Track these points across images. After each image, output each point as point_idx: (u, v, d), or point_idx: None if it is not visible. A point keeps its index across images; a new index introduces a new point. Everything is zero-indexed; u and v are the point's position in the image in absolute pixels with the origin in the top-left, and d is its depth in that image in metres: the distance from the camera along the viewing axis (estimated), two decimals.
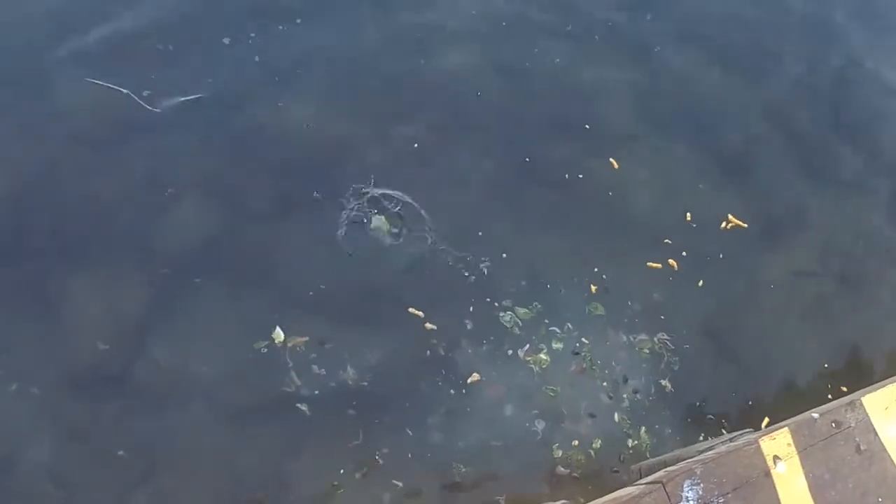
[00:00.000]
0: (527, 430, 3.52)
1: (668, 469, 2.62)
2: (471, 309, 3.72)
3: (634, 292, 3.88)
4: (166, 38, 4.12)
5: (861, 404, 2.73)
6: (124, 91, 3.90)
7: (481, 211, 3.98)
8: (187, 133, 3.89)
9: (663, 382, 3.72)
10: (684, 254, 4.00)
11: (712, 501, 2.48)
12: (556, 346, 3.70)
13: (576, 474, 3.37)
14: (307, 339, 3.49)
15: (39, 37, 4.04)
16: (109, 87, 3.89)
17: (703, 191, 4.25)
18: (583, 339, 3.75)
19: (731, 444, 2.73)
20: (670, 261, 3.99)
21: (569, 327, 3.76)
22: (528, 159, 4.14)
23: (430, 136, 4.11)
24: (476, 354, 3.62)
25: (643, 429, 3.59)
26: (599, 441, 3.49)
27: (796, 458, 2.62)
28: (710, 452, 2.65)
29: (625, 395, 3.66)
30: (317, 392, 3.41)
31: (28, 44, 4.00)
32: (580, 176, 4.14)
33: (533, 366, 3.64)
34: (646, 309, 3.85)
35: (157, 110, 3.89)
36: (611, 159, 4.22)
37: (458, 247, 3.84)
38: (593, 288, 3.87)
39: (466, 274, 3.79)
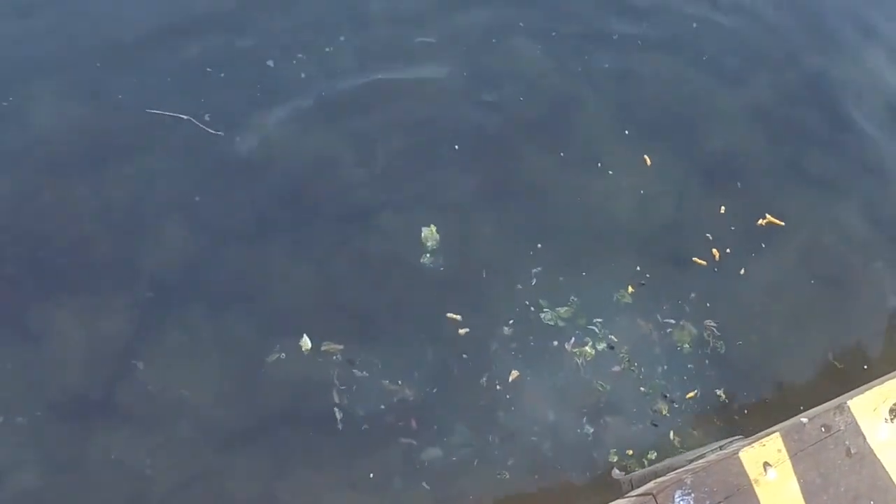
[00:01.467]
0: (577, 432, 3.55)
1: (659, 480, 2.60)
2: (507, 311, 3.74)
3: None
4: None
5: (849, 407, 2.72)
6: (184, 117, 3.88)
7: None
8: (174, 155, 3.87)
9: (718, 392, 3.76)
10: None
11: None
12: (600, 345, 3.74)
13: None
14: (342, 346, 3.48)
15: None
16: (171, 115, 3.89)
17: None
18: (619, 336, 3.79)
19: (721, 451, 2.71)
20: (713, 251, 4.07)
21: (603, 324, 3.80)
22: (507, 172, 4.14)
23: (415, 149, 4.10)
24: (518, 351, 3.65)
25: (694, 432, 3.60)
26: (654, 453, 3.51)
27: (787, 464, 2.61)
28: (700, 461, 2.64)
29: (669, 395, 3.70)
30: (351, 402, 3.44)
31: None
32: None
33: (578, 359, 3.66)
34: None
35: (221, 133, 3.89)
36: (644, 156, 4.28)
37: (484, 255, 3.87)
38: (630, 288, 3.92)
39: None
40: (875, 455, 2.68)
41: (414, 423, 3.43)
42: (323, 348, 3.50)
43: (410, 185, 4.02)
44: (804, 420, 2.68)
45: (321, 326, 3.53)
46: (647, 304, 3.91)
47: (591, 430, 3.57)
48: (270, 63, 4.17)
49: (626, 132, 4.39)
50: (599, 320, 3.81)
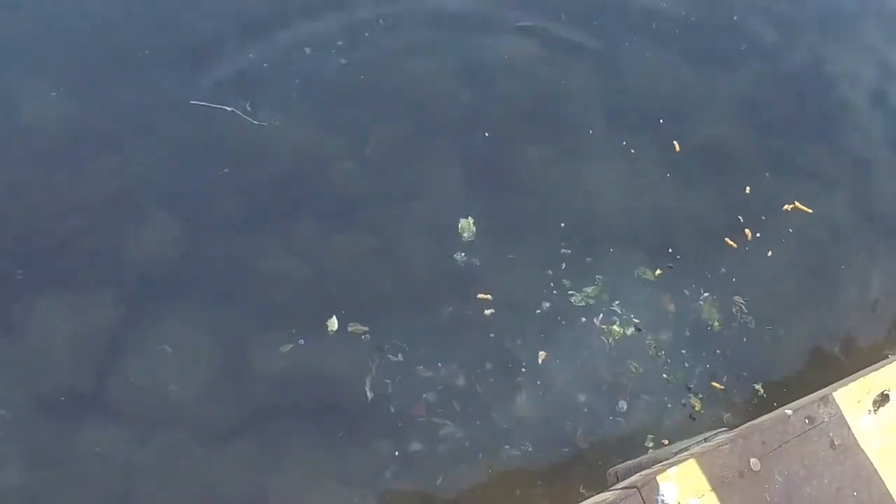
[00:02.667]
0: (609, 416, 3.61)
1: (644, 472, 2.61)
2: (536, 295, 3.78)
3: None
4: None
5: (834, 399, 2.73)
6: (228, 109, 3.86)
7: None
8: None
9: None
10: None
11: (688, 503, 2.48)
12: (628, 328, 3.81)
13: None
14: (367, 328, 3.52)
15: None
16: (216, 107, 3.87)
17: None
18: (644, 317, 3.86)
19: (706, 444, 2.72)
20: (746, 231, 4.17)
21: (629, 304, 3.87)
22: (503, 159, 4.13)
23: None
24: (546, 331, 3.71)
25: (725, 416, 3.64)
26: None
27: (771, 456, 2.62)
28: (684, 454, 2.64)
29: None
30: (382, 384, 3.47)
31: None
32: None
33: (606, 337, 3.72)
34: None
35: (265, 124, 3.87)
36: (674, 142, 4.31)
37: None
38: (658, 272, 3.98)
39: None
40: (859, 446, 2.69)
41: (422, 409, 3.46)
42: (349, 328, 3.54)
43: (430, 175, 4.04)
44: (788, 412, 2.69)
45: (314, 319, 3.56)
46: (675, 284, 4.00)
47: (624, 413, 3.63)
48: (251, 55, 4.12)
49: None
50: (625, 301, 3.87)
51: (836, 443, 2.68)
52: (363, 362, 3.50)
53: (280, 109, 3.97)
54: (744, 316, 3.99)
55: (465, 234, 3.83)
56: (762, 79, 4.84)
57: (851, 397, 2.76)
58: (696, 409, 3.64)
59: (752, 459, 2.58)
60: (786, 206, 4.30)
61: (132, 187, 3.67)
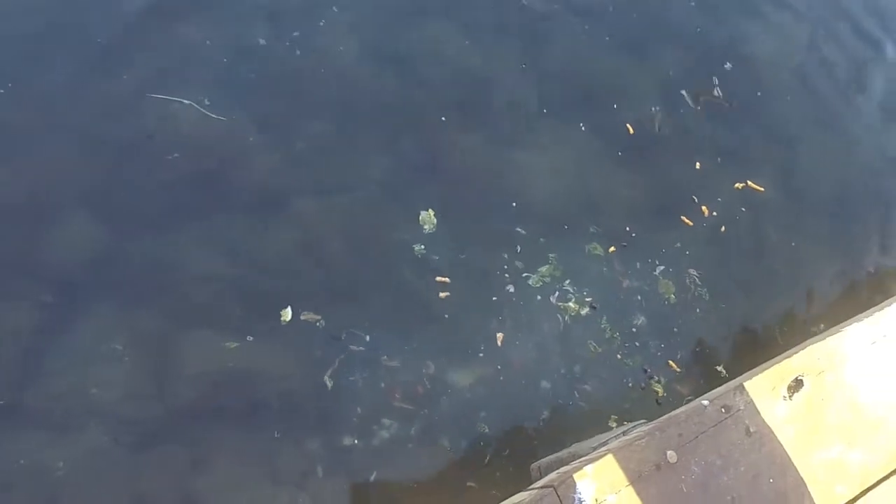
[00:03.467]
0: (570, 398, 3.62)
1: (561, 470, 2.57)
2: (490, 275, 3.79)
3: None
4: None
5: (749, 387, 2.73)
6: (186, 102, 3.71)
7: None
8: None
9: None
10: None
11: (605, 500, 2.44)
12: (583, 309, 3.83)
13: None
14: (320, 317, 3.47)
15: None
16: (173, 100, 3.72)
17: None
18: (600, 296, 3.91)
19: (624, 437, 2.69)
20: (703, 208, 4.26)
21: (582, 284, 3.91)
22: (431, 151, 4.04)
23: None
24: (503, 313, 3.71)
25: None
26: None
27: (688, 447, 2.60)
28: (602, 448, 2.61)
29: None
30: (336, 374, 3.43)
31: None
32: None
33: (562, 315, 3.75)
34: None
35: (224, 119, 3.72)
36: (627, 124, 4.36)
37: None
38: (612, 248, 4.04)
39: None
40: (773, 433, 2.70)
41: (398, 395, 3.45)
42: (302, 317, 3.47)
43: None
44: (705, 402, 2.68)
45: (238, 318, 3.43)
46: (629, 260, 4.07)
47: (586, 395, 3.68)
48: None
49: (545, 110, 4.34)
50: (580, 279, 3.93)
51: (751, 430, 2.68)
52: (311, 354, 3.46)
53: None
54: (698, 288, 4.02)
55: (427, 226, 3.79)
56: (692, 59, 4.85)
57: (766, 384, 2.76)
58: (660, 394, 3.66)
59: (668, 452, 2.56)
60: (737, 185, 4.37)
61: (48, 185, 3.49)
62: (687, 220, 4.25)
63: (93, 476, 3.06)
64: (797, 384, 2.79)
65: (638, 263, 4.07)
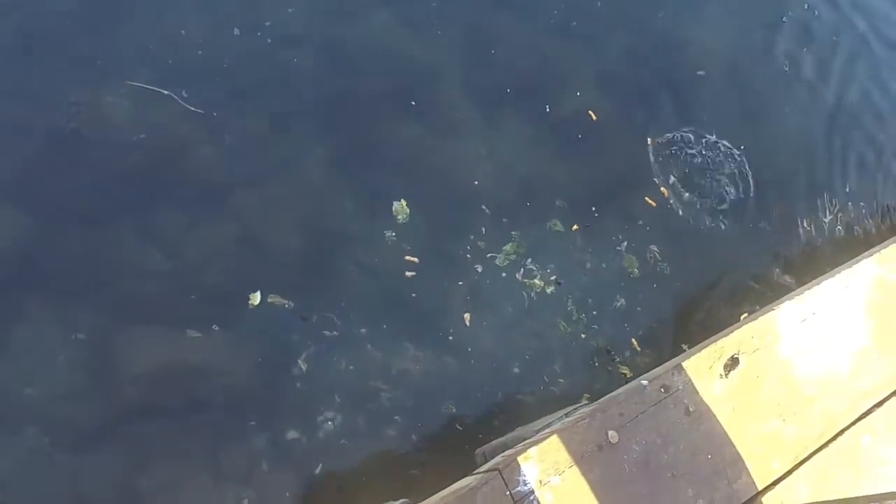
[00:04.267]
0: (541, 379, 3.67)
1: (506, 454, 2.59)
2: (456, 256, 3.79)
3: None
4: None
5: (687, 366, 2.79)
6: (165, 93, 3.62)
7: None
8: None
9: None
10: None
11: (549, 482, 2.47)
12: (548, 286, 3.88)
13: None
14: (289, 302, 3.44)
15: None
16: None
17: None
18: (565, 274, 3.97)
19: (567, 419, 2.73)
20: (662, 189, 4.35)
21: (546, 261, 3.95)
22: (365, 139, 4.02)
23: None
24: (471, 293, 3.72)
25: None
26: None
27: (629, 427, 2.65)
28: (546, 430, 2.64)
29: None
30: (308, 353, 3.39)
31: None
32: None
33: (527, 292, 3.79)
34: None
35: (201, 111, 3.65)
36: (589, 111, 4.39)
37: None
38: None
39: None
40: (711, 411, 2.77)
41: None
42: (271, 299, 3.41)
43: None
44: (644, 382, 2.73)
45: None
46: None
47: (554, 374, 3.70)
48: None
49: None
50: (545, 257, 3.96)
51: (690, 409, 2.75)
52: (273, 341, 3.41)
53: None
54: (659, 264, 4.08)
55: (400, 217, 3.78)
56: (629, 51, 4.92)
57: (704, 363, 2.83)
58: (627, 375, 3.74)
59: (610, 432, 2.60)
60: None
61: None
62: (650, 201, 4.33)
63: (29, 479, 2.97)
64: (733, 362, 2.87)
65: (601, 241, 4.14)
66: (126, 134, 3.60)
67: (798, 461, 2.88)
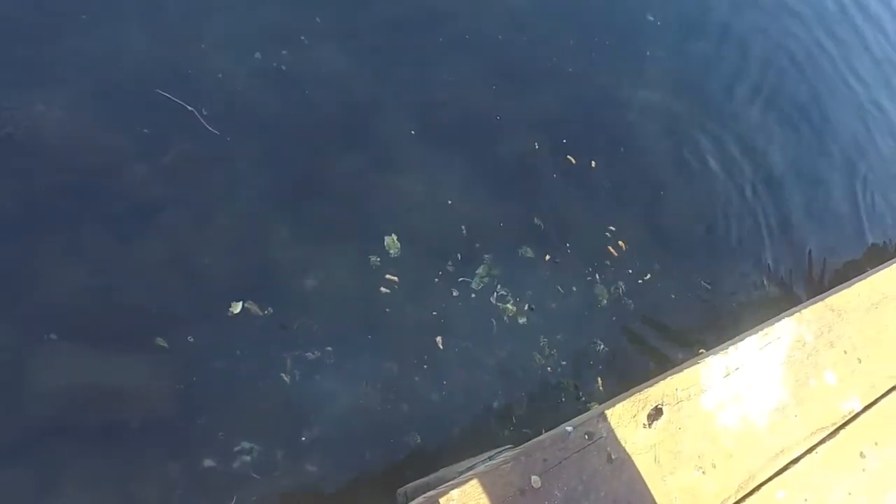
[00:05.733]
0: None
1: (428, 495, 2.54)
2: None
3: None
4: None
5: (611, 414, 2.82)
6: (189, 108, 3.66)
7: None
8: None
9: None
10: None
11: None
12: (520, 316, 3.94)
13: None
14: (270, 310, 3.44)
15: None
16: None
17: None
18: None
19: (490, 462, 2.71)
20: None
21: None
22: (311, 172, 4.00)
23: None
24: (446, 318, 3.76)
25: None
26: None
27: (551, 473, 2.64)
28: (469, 473, 2.61)
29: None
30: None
31: None
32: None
33: (502, 315, 3.86)
34: None
35: (217, 133, 3.70)
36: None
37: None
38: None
39: None
40: (633, 460, 2.79)
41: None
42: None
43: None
44: (569, 428, 2.74)
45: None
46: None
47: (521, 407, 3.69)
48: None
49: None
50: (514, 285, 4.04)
51: (613, 457, 2.76)
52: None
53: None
54: (624, 298, 4.18)
55: (392, 251, 3.82)
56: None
57: (628, 412, 2.86)
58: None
59: (532, 477, 2.59)
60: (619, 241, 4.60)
61: None
62: (612, 251, 4.43)
63: None
64: (656, 413, 2.90)
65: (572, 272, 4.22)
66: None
67: None
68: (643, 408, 2.90)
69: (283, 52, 4.21)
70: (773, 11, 6.69)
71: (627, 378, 4.02)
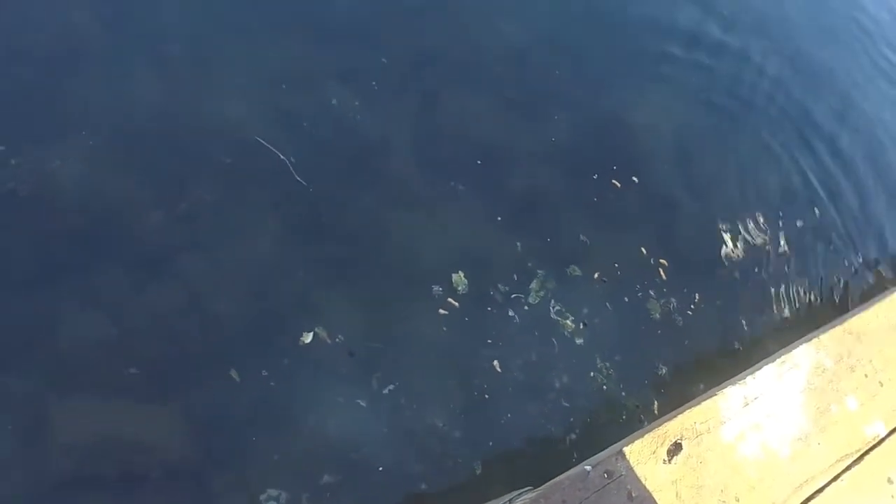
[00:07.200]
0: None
1: None
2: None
3: None
4: None
5: (630, 451, 2.79)
6: (281, 157, 3.76)
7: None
8: None
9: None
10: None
11: None
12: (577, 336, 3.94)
13: None
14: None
15: None
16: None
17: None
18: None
19: None
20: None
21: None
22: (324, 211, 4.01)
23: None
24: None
25: None
26: None
27: None
28: None
29: None
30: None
31: None
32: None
33: (563, 329, 3.86)
34: None
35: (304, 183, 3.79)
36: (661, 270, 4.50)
37: None
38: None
39: None
40: (654, 497, 2.76)
41: None
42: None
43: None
44: (588, 468, 2.71)
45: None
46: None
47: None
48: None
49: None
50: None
51: (633, 495, 2.73)
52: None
53: None
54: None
55: (460, 287, 3.81)
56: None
57: (647, 448, 2.83)
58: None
59: None
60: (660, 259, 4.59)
61: None
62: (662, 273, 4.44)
63: None
64: (676, 448, 2.88)
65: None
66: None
67: None
68: (662, 443, 2.87)
69: (300, 94, 4.25)
70: (779, 32, 6.66)
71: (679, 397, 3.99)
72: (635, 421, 3.86)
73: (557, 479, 2.72)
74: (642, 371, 4.10)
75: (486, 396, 3.65)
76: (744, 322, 4.67)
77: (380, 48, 4.67)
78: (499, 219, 4.34)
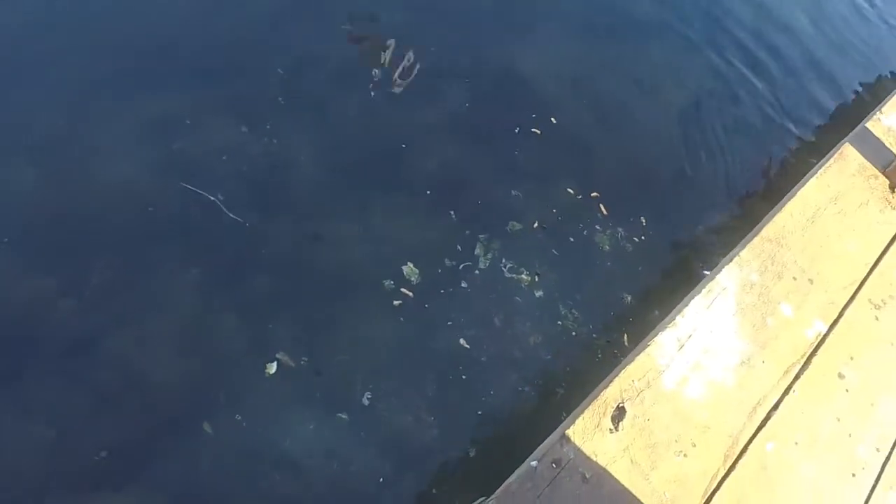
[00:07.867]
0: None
1: None
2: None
3: None
4: None
5: (573, 432, 2.67)
6: (211, 198, 3.52)
7: None
8: None
9: None
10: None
11: None
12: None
13: None
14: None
15: None
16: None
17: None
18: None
19: None
20: None
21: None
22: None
23: None
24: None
25: None
26: None
27: None
28: None
29: None
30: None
31: None
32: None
33: (520, 284, 3.78)
34: None
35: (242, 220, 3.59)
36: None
37: None
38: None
39: None
40: (609, 472, 2.65)
41: None
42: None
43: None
44: (534, 463, 2.59)
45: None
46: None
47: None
48: None
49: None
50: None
51: (587, 476, 2.62)
52: None
53: None
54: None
55: (413, 278, 3.70)
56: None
57: (590, 423, 2.72)
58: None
59: None
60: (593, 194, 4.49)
61: None
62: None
63: None
64: (619, 413, 2.77)
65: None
66: None
67: (709, 494, 2.79)
68: (605, 413, 2.76)
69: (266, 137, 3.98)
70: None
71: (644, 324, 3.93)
72: (610, 357, 3.78)
73: (507, 482, 2.59)
74: (605, 306, 4.02)
75: (464, 377, 3.53)
76: (696, 230, 4.61)
77: (258, 70, 4.41)
78: (426, 200, 4.18)
